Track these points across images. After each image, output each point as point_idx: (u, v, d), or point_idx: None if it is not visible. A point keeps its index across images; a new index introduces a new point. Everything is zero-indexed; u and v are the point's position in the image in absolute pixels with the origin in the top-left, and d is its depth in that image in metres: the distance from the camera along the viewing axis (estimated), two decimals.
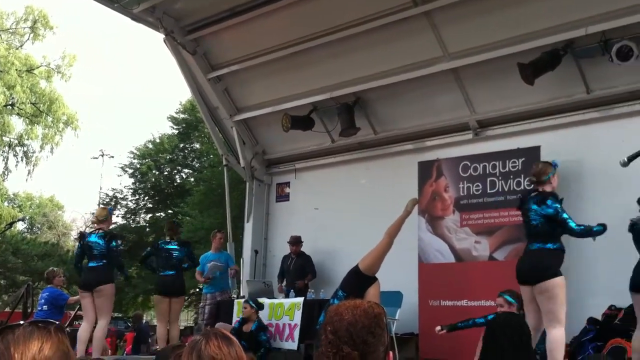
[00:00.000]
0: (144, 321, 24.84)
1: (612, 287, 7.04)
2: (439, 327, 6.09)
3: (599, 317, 6.96)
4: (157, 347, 8.47)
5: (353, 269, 6.85)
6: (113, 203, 26.72)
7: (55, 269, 9.44)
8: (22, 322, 1.65)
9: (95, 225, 7.66)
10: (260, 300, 8.47)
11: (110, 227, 7.61)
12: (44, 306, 8.52)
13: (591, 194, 7.67)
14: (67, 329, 8.76)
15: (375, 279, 6.78)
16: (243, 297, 9.12)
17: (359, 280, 6.72)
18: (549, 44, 7.52)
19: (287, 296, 8.79)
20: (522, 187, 7.31)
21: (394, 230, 6.98)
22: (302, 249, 9.69)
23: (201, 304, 9.88)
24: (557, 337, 5.10)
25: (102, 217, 7.55)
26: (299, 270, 9.47)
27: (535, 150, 7.63)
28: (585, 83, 7.78)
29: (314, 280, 9.49)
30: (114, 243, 7.35)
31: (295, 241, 9.62)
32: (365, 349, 1.68)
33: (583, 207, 7.66)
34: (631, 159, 5.81)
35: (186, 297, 14.54)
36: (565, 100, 8.00)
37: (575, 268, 7.54)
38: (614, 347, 6.15)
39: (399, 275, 7.72)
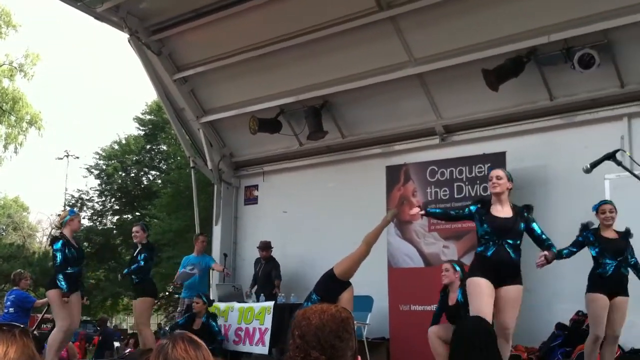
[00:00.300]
0: (110, 325, 24.51)
1: (579, 293, 7.08)
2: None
3: (567, 323, 7.07)
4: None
5: (328, 272, 6.80)
6: (79, 205, 26.33)
7: (22, 271, 9.30)
8: None
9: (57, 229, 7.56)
10: (230, 304, 8.48)
11: (74, 230, 7.35)
12: (10, 309, 8.35)
13: (554, 198, 7.81)
14: (35, 332, 8.63)
15: (349, 284, 6.79)
16: (213, 300, 9.06)
17: (334, 284, 6.70)
18: (512, 50, 7.63)
19: (257, 301, 8.76)
20: (488, 192, 7.41)
21: (372, 238, 6.93)
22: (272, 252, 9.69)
23: (178, 308, 9.81)
24: None
25: (61, 221, 7.36)
26: (267, 276, 9.43)
27: (501, 155, 7.72)
28: (548, 90, 7.90)
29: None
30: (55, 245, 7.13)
31: (265, 246, 9.58)
32: (333, 354, 1.69)
33: (547, 212, 7.81)
34: (594, 165, 5.90)
35: (156, 301, 14.37)
36: (529, 107, 8.13)
37: (543, 274, 7.65)
38: (582, 353, 6.27)
39: (369, 280, 7.72)
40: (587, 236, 5.86)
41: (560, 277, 7.53)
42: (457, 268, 6.25)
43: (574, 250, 5.91)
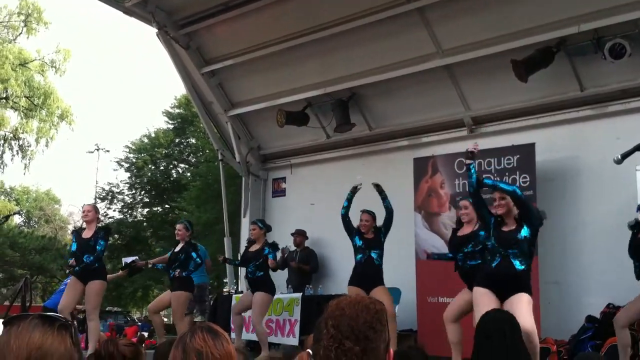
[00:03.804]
0: (140, 316, 24.77)
1: (610, 285, 7.09)
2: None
3: (598, 316, 6.99)
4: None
5: None
6: (109, 197, 26.72)
7: None
8: (31, 313, 1.65)
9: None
10: None
11: (97, 223, 7.49)
12: (64, 286, 8.21)
13: (586, 190, 7.72)
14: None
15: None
16: (241, 292, 9.18)
17: None
18: (542, 41, 7.54)
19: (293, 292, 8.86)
20: (517, 184, 7.38)
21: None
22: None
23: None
24: None
25: None
26: (303, 261, 9.61)
27: (530, 147, 7.66)
28: (578, 81, 7.80)
29: (313, 275, 9.60)
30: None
31: (300, 232, 9.77)
32: (367, 345, 1.69)
33: (578, 204, 7.77)
34: (625, 156, 5.85)
35: None
36: (559, 98, 8.03)
37: (574, 266, 7.64)
38: (613, 346, 6.19)
39: (397, 272, 7.74)
40: None
41: (590, 270, 7.49)
42: None
43: None
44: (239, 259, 8.77)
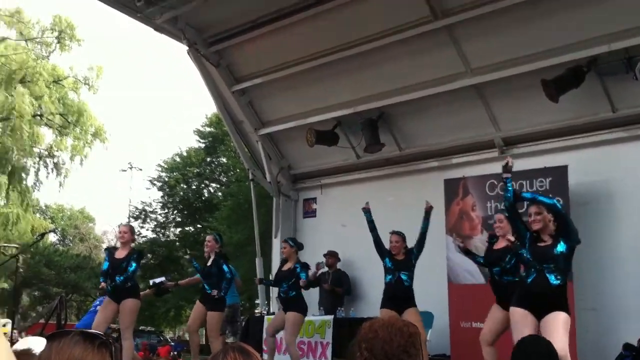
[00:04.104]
0: (174, 336, 24.74)
1: None
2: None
3: (634, 342, 6.84)
4: None
5: None
6: (142, 216, 26.95)
7: None
8: (73, 330, 1.69)
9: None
10: None
11: (131, 243, 7.63)
12: (98, 307, 8.17)
13: (620, 213, 7.59)
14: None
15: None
16: (273, 313, 9.19)
17: None
18: (572, 60, 7.44)
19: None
20: None
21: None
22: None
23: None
24: None
25: None
26: (335, 282, 9.58)
27: (563, 169, 7.57)
28: (610, 101, 7.70)
29: (345, 297, 9.57)
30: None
31: (333, 254, 9.75)
32: None
33: (612, 227, 7.60)
34: None
35: None
36: (591, 119, 7.92)
37: (610, 292, 7.48)
38: None
39: (429, 296, 7.65)
40: None
41: (626, 295, 7.33)
42: None
43: None
44: (272, 279, 8.80)
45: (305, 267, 7.78)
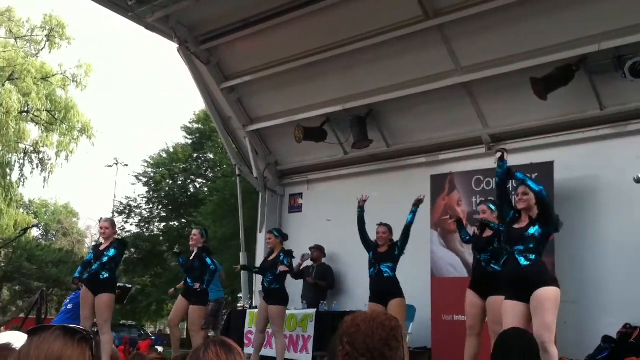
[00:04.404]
0: (155, 330, 24.62)
1: (626, 306, 7.03)
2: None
3: (614, 335, 6.91)
4: None
5: None
6: (127, 212, 26.86)
7: None
8: (52, 324, 1.66)
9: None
10: None
11: (113, 237, 7.50)
12: (69, 305, 8.04)
13: (604, 209, 7.66)
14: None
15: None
16: (255, 307, 9.15)
17: None
18: (562, 59, 7.50)
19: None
20: None
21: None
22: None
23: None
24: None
25: None
26: (319, 276, 9.58)
27: (549, 165, 7.61)
28: (598, 99, 7.75)
29: (328, 291, 9.57)
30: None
31: (319, 248, 9.76)
32: None
33: (597, 222, 7.68)
34: None
35: None
36: (579, 116, 7.98)
37: (591, 286, 7.54)
38: None
39: (412, 289, 7.66)
40: None
41: (606, 289, 7.41)
42: (493, 208, 6.14)
43: None
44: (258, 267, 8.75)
45: (289, 254, 7.76)
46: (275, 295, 7.61)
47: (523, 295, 4.94)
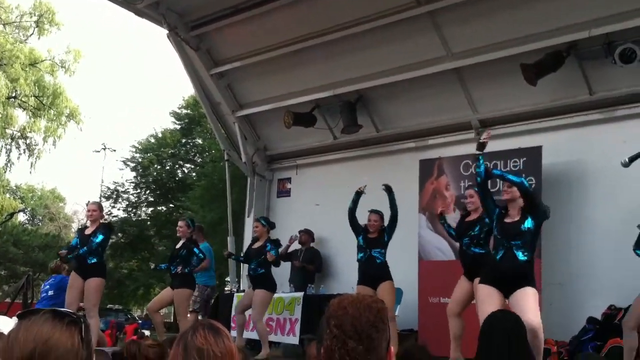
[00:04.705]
0: (141, 314, 24.52)
1: (612, 287, 7.10)
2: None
3: (599, 317, 6.99)
4: None
5: None
6: (114, 196, 26.76)
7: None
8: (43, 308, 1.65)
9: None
10: None
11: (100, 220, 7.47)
12: (50, 292, 8.15)
13: (591, 193, 7.72)
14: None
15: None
16: (243, 291, 9.17)
17: None
18: (552, 45, 7.53)
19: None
20: None
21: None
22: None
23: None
24: None
25: None
26: (307, 260, 9.60)
27: (537, 150, 7.64)
28: (588, 85, 7.80)
29: (316, 275, 9.61)
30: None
31: (308, 231, 9.77)
32: (370, 344, 1.68)
33: (585, 206, 7.75)
34: (632, 159, 5.89)
35: None
36: (568, 102, 8.02)
37: (577, 268, 7.63)
38: (614, 347, 6.19)
39: (399, 272, 7.70)
40: None
41: (592, 272, 7.48)
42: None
43: None
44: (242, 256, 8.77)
45: (276, 243, 7.75)
46: (262, 280, 7.63)
47: (508, 287, 5.03)
